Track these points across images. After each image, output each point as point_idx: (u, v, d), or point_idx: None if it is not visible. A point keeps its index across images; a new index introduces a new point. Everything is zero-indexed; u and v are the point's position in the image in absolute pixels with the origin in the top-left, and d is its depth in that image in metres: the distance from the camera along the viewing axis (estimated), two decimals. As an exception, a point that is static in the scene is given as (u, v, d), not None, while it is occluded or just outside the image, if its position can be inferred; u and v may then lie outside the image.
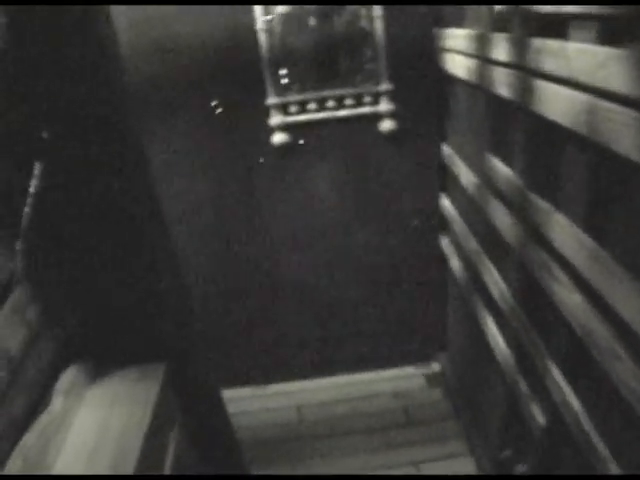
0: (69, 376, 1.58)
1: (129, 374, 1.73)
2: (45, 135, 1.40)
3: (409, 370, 3.47)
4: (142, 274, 1.69)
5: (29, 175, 1.38)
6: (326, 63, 2.81)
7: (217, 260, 3.18)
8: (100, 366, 1.71)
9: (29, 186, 1.36)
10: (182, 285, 1.90)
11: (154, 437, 1.58)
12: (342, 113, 2.89)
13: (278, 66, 2.77)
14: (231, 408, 2.24)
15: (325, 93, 2.85)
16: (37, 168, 1.36)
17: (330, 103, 2.87)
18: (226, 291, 3.25)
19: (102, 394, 1.65)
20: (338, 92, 2.85)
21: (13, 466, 1.30)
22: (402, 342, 3.45)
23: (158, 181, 1.78)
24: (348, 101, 2.88)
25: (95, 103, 1.44)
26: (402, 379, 3.42)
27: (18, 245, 1.35)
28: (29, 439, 1.37)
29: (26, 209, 1.37)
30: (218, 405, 2.10)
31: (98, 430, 1.53)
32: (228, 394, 2.29)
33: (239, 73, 2.79)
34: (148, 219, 1.66)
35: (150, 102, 2.72)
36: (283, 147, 2.91)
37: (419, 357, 3.49)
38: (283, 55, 2.75)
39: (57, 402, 1.50)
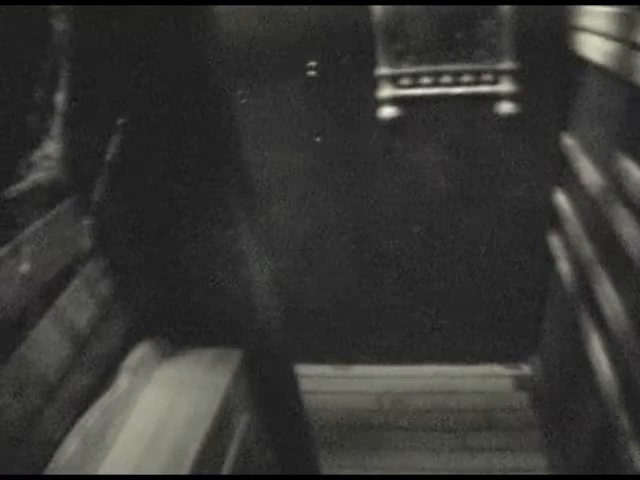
0: (139, 354, 1.53)
1: (202, 357, 1.66)
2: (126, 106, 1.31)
3: (497, 369, 3.28)
4: (224, 252, 1.60)
5: (104, 144, 1.29)
6: (444, 34, 2.58)
7: (310, 235, 3.08)
8: (173, 346, 1.65)
9: (105, 154, 1.28)
10: (268, 267, 1.80)
11: (220, 426, 1.51)
12: (458, 90, 2.67)
13: (391, 34, 2.57)
14: (309, 385, 2.15)
15: (441, 67, 2.63)
16: (115, 136, 1.27)
17: (445, 78, 2.65)
18: (319, 266, 3.17)
19: (171, 375, 1.59)
20: (455, 67, 2.62)
21: (71, 445, 1.27)
22: (493, 338, 3.27)
23: (249, 151, 1.67)
24: (465, 78, 2.64)
25: (184, 67, 1.31)
26: (489, 378, 3.24)
27: (87, 219, 1.28)
28: (90, 417, 1.33)
29: (99, 180, 1.29)
30: (293, 394, 2.01)
31: (162, 413, 1.47)
32: (308, 370, 2.21)
33: (346, 40, 2.60)
34: (234, 194, 1.55)
35: (247, 68, 2.62)
36: (390, 122, 2.73)
37: (509, 357, 3.30)
38: (397, 23, 2.55)
39: (123, 380, 1.45)
